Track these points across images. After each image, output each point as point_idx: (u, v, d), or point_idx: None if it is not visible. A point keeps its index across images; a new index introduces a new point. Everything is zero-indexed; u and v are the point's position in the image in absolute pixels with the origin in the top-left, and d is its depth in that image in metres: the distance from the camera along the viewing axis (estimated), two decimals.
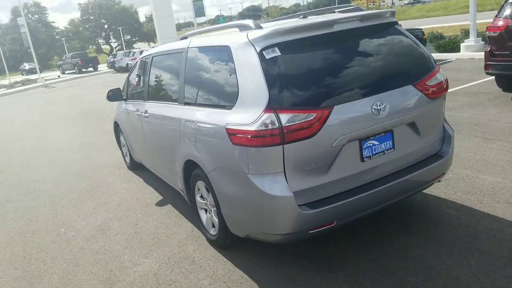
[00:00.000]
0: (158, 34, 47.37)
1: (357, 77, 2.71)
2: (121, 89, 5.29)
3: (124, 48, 53.98)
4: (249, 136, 2.45)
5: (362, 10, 3.16)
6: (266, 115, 2.42)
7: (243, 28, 2.90)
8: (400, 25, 3.14)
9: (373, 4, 44.99)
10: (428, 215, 3.39)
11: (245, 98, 2.58)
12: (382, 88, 2.73)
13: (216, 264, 3.10)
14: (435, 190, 3.76)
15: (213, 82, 3.05)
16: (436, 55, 12.68)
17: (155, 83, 4.25)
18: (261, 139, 2.42)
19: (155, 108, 4.03)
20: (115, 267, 3.28)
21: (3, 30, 68.02)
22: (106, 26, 69.78)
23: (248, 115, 2.50)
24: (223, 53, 2.88)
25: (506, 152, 4.49)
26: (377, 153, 2.75)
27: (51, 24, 70.80)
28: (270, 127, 2.39)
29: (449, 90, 3.26)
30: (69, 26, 68.22)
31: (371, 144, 2.72)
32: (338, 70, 2.68)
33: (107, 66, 38.40)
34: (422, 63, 3.03)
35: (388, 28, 3.04)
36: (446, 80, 3.09)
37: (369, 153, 2.71)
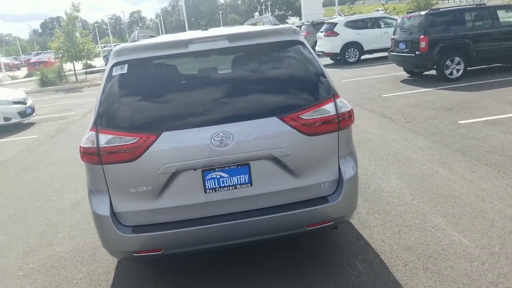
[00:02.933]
0: (303, 10, 47.67)
1: (200, 104, 2.50)
2: None
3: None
4: (80, 152, 2.58)
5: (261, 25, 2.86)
6: (90, 133, 2.49)
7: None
8: (305, 45, 2.74)
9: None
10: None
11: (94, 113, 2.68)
12: (230, 118, 2.48)
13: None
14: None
15: None
16: None
17: None
18: (85, 156, 2.50)
19: None
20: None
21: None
22: (262, 0, 73.44)
23: (87, 132, 2.61)
24: None
25: None
26: (226, 186, 2.53)
27: None
28: (90, 145, 2.47)
29: None
30: (228, 0, 74.29)
31: (218, 176, 2.52)
32: (180, 95, 2.53)
33: None
34: (307, 92, 2.60)
35: (278, 48, 2.70)
36: (344, 114, 2.60)
37: (214, 185, 2.52)
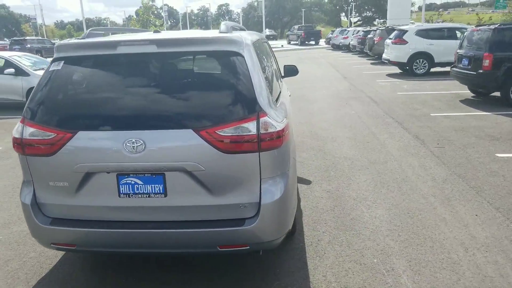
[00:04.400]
0: (389, 13, 45.95)
1: (119, 107, 2.54)
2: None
3: (363, 25, 54.61)
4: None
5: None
6: (18, 124, 2.67)
7: None
8: (243, 57, 2.62)
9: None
10: None
11: None
12: (145, 125, 2.48)
13: None
14: None
15: None
16: None
17: None
18: (14, 146, 2.66)
19: None
20: None
21: None
22: (350, 0, 71.66)
23: None
24: None
25: None
26: (140, 194, 2.54)
27: None
28: (17, 136, 2.62)
29: None
30: None
31: (132, 182, 2.54)
32: (101, 96, 2.59)
33: (325, 42, 40.27)
34: (230, 108, 2.50)
35: (211, 57, 2.64)
36: (269, 134, 2.46)
37: (128, 191, 2.55)
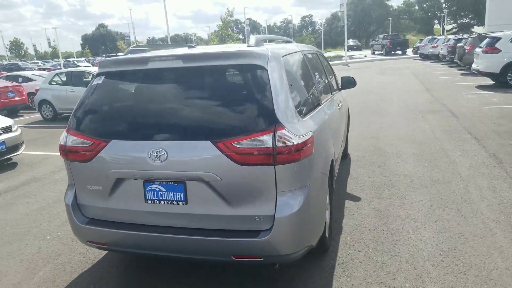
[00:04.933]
0: (487, 18, 42.14)
1: (144, 118, 2.77)
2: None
3: (459, 33, 51.24)
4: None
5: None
6: (64, 133, 3.02)
7: None
8: (266, 70, 2.68)
9: None
10: None
11: None
12: (167, 136, 2.67)
13: None
14: None
15: None
16: None
17: None
18: (60, 152, 3.01)
19: None
20: None
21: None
22: (444, 6, 67.55)
23: None
24: None
25: None
26: (164, 200, 2.73)
27: (385, 2, 75.17)
28: (62, 143, 2.98)
29: None
30: (402, 5, 70.50)
31: (157, 189, 2.74)
32: (132, 108, 2.85)
33: (412, 51, 38.38)
34: (248, 120, 2.57)
35: (233, 71, 2.73)
36: (285, 147, 2.49)
37: (153, 197, 2.75)
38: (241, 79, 2.77)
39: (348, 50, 49.70)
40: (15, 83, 13.39)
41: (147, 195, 2.76)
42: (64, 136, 2.99)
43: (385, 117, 9.69)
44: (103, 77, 3.01)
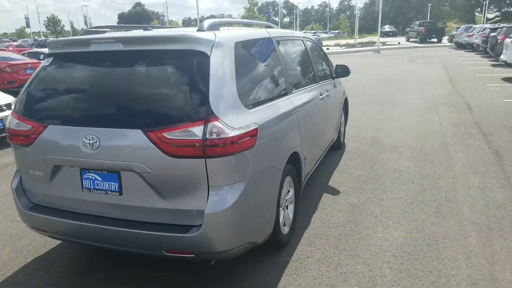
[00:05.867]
0: None
1: (80, 103, 2.70)
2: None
3: (502, 22, 48.60)
4: None
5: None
6: (9, 116, 3.00)
7: None
8: (209, 57, 2.55)
9: None
10: None
11: None
12: (100, 122, 2.59)
13: None
14: None
15: None
16: None
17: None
18: (6, 135, 3.00)
19: None
20: None
21: None
22: None
23: None
24: None
25: None
26: (99, 190, 2.67)
27: None
28: (7, 126, 2.94)
29: None
30: None
31: (93, 178, 2.68)
32: (68, 92, 2.79)
33: (447, 39, 36.79)
34: (182, 110, 2.46)
35: (173, 57, 2.61)
36: (217, 140, 2.38)
37: (90, 186, 2.70)
38: (181, 66, 2.62)
39: (383, 36, 48.02)
40: (35, 60, 13.64)
41: (84, 183, 2.72)
42: (9, 119, 2.98)
43: (397, 108, 9.32)
44: (51, 59, 2.96)
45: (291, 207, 3.57)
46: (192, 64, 2.57)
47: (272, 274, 3.07)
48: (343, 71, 5.46)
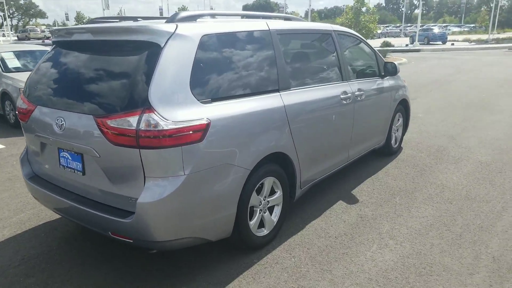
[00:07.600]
0: None
1: (57, 88, 2.95)
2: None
3: None
4: None
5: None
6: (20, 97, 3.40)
7: None
8: (161, 48, 2.55)
9: None
10: None
11: None
12: (67, 106, 2.80)
13: None
14: None
15: None
16: None
17: None
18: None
19: None
20: None
21: None
22: None
23: None
24: None
25: None
26: (70, 168, 2.91)
27: None
28: (17, 104, 3.37)
29: None
30: None
31: (66, 156, 2.93)
32: (54, 77, 3.06)
33: None
34: (126, 99, 2.52)
35: (132, 47, 2.66)
36: (152, 132, 2.40)
37: (64, 163, 2.95)
38: (134, 56, 2.68)
39: None
40: None
41: (60, 160, 2.99)
42: (19, 100, 3.40)
43: (492, 115, 8.14)
44: (54, 46, 3.30)
45: (277, 210, 3.41)
46: (143, 55, 2.61)
47: (229, 274, 2.99)
48: (391, 69, 4.96)
